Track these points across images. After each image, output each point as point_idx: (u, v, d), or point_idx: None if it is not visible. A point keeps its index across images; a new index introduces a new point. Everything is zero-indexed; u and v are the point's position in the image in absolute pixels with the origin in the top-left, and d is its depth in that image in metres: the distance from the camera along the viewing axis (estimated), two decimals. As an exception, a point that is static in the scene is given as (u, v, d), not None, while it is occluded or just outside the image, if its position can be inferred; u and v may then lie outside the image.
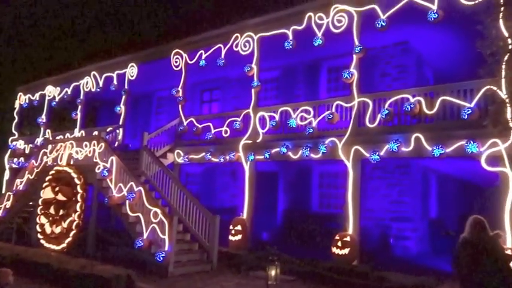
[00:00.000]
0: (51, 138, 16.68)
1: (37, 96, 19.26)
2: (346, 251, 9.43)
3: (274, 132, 11.72)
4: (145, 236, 9.76)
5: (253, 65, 12.33)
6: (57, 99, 18.33)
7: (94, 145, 12.16)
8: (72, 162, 12.52)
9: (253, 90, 12.32)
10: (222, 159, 12.41)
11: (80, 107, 17.16)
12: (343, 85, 12.28)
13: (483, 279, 4.56)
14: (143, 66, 15.20)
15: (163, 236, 9.44)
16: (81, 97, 17.13)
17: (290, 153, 11.00)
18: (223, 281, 8.85)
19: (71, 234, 11.38)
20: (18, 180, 14.01)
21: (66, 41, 27.86)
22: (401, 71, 12.49)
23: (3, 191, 17.19)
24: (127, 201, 10.52)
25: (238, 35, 12.58)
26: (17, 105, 20.46)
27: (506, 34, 7.91)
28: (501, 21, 7.99)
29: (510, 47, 7.85)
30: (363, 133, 10.10)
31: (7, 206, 13.79)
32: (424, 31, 11.33)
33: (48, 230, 11.96)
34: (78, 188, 11.67)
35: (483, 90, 8.48)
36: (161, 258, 9.09)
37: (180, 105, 14.05)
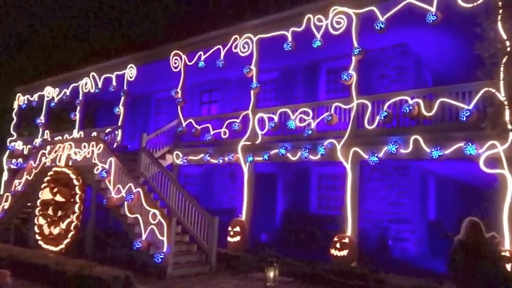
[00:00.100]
0: (49, 139, 16.68)
1: (36, 97, 19.25)
2: (344, 252, 9.44)
3: (273, 133, 11.73)
4: (143, 237, 9.75)
5: (253, 67, 12.34)
6: (56, 100, 18.32)
7: (93, 146, 12.15)
8: (70, 163, 12.50)
9: (252, 92, 12.32)
10: (221, 161, 12.41)
11: (78, 108, 17.15)
12: (342, 87, 12.30)
13: (479, 281, 4.56)
14: (142, 68, 15.20)
15: (162, 238, 9.44)
16: (80, 98, 17.12)
17: (289, 155, 11.01)
18: (222, 282, 8.84)
19: (69, 235, 11.35)
20: (16, 181, 13.99)
21: (65, 42, 27.85)
22: (400, 73, 12.51)
23: (1, 192, 17.14)
24: (125, 203, 10.50)
25: (237, 36, 12.59)
26: (15, 106, 20.43)
27: (504, 36, 7.94)
28: (499, 24, 8.02)
29: (508, 49, 7.88)
30: (361, 135, 10.12)
31: (5, 207, 13.76)
32: (423, 33, 11.36)
33: (46, 231, 11.93)
34: (77, 189, 11.65)
35: (481, 92, 8.49)
36: (160, 260, 9.08)
37: (179, 107, 14.05)
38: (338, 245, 9.55)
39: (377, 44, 12.34)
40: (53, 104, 18.42)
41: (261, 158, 11.51)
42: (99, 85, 16.30)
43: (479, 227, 4.80)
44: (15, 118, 20.35)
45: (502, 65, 7.98)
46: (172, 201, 11.03)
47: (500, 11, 8.05)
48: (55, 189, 12.09)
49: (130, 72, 15.33)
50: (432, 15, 9.16)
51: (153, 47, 15.40)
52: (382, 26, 9.89)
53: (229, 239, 11.24)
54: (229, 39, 12.71)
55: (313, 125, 10.89)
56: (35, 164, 13.66)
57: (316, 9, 11.07)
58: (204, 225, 10.41)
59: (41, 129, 18.48)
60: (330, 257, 9.62)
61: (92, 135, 14.49)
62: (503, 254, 7.06)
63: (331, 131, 10.70)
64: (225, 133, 12.65)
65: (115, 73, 15.77)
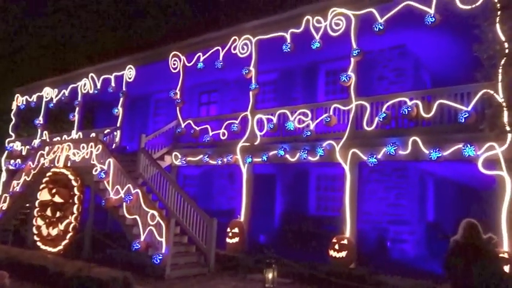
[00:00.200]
0: (48, 140, 16.65)
1: (34, 97, 19.22)
2: (343, 253, 9.43)
3: (272, 134, 11.73)
4: (142, 238, 9.74)
5: (251, 68, 12.35)
6: (54, 100, 18.29)
7: (91, 147, 12.14)
8: (69, 164, 12.49)
9: (251, 93, 12.33)
10: (219, 162, 12.40)
11: (77, 108, 17.12)
12: (341, 88, 12.32)
13: (476, 282, 4.56)
14: (141, 69, 15.19)
15: (161, 239, 9.43)
16: (79, 99, 17.10)
17: (288, 156, 11.01)
18: (221, 283, 8.84)
19: (68, 236, 11.34)
20: (14, 182, 13.97)
21: (65, 43, 27.82)
22: (399, 74, 12.53)
23: (-1, 193, 17.13)
24: (124, 204, 10.49)
25: (236, 37, 12.59)
26: (14, 107, 20.38)
27: (503, 38, 7.95)
28: (498, 25, 8.03)
29: (507, 50, 7.88)
30: (360, 136, 10.12)
31: (3, 208, 13.74)
32: (422, 35, 11.38)
33: (44, 232, 11.91)
34: (75, 190, 11.63)
35: (480, 93, 8.51)
36: (158, 261, 9.07)
37: (178, 108, 14.04)
38: (337, 246, 9.55)
39: (376, 46, 12.36)
40: (52, 104, 18.39)
41: (260, 159, 11.51)
42: (98, 86, 16.29)
43: (476, 229, 4.79)
44: (13, 119, 20.30)
45: (501, 67, 7.99)
46: (171, 202, 11.02)
47: (499, 12, 8.07)
48: (53, 190, 12.07)
49: (129, 73, 15.32)
50: (431, 17, 9.17)
51: (152, 47, 15.40)
52: (381, 27, 9.90)
53: (227, 240, 11.23)
54: (228, 40, 12.72)
55: (312, 126, 10.90)
56: (33, 164, 13.64)
57: (315, 10, 11.09)
58: (202, 226, 10.40)
59: (39, 130, 18.44)
60: (328, 258, 9.62)
61: (91, 136, 14.46)
62: (501, 255, 7.07)
63: (330, 132, 10.70)
64: (223, 134, 12.65)
65: (114, 74, 15.77)
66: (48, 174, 12.46)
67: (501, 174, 8.00)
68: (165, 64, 14.27)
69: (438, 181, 14.41)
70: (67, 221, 11.48)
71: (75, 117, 17.09)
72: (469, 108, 8.61)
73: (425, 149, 8.91)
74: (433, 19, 9.15)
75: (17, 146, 19.03)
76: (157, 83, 16.65)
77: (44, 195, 12.30)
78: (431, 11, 9.20)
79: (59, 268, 8.30)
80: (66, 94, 17.66)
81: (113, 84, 15.74)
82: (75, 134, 16.51)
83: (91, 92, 16.58)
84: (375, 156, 9.52)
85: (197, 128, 13.32)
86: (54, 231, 11.68)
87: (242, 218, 11.49)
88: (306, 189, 13.63)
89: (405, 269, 9.49)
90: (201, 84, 16.81)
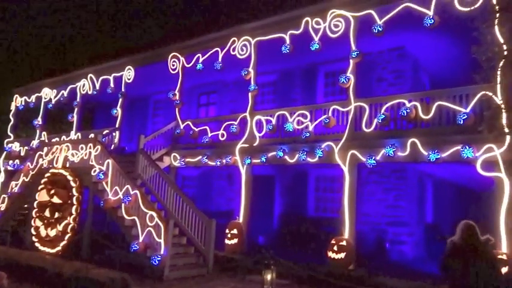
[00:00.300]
0: (47, 141, 16.63)
1: (33, 98, 19.20)
2: (342, 255, 9.43)
3: (270, 136, 11.73)
4: (141, 239, 9.73)
5: (250, 69, 12.35)
6: (53, 101, 18.27)
7: (90, 148, 12.13)
8: (68, 165, 12.47)
9: (250, 94, 12.33)
10: (218, 163, 12.40)
11: (76, 109, 17.11)
12: (340, 90, 12.33)
13: (474, 284, 4.56)
14: (140, 69, 15.19)
15: (159, 240, 9.42)
16: (78, 99, 17.08)
17: (287, 157, 11.01)
18: (219, 285, 8.83)
19: (66, 237, 11.33)
20: (13, 183, 13.95)
21: (64, 43, 27.84)
22: (398, 76, 12.55)
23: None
24: (123, 205, 10.48)
25: (235, 38, 12.60)
26: (13, 107, 20.37)
27: (501, 40, 7.97)
28: (496, 27, 8.04)
29: (505, 52, 7.90)
30: (359, 137, 10.13)
31: (2, 209, 13.72)
32: (420, 36, 11.40)
33: (43, 233, 11.89)
34: (74, 191, 11.62)
35: (479, 95, 8.53)
36: (157, 262, 9.05)
37: (176, 109, 14.04)
38: (335, 248, 9.55)
39: (375, 47, 12.37)
40: (51, 105, 18.37)
41: (259, 161, 11.51)
42: (97, 87, 16.28)
43: (473, 230, 4.80)
44: (12, 119, 20.28)
45: (499, 69, 8.02)
46: (170, 203, 11.01)
47: (497, 14, 8.08)
48: (52, 191, 12.06)
49: (128, 74, 15.32)
50: (430, 19, 9.19)
51: (151, 48, 15.40)
52: (380, 29, 9.92)
53: (226, 241, 11.22)
54: (228, 41, 12.73)
55: (311, 128, 10.90)
56: (32, 165, 13.62)
57: (314, 12, 11.10)
58: (201, 227, 10.39)
59: (38, 131, 18.42)
60: (327, 260, 9.61)
61: (90, 136, 14.44)
62: (499, 256, 7.08)
63: (329, 134, 10.71)
64: (222, 135, 12.65)
65: (113, 75, 15.75)
66: (47, 175, 12.45)
67: (499, 175, 8.01)
68: (164, 65, 14.28)
69: (437, 182, 14.42)
70: (65, 221, 11.47)
71: (74, 118, 17.08)
72: (468, 110, 8.62)
73: (424, 151, 8.92)
74: (432, 21, 9.17)
75: (16, 146, 19.01)
76: (157, 84, 16.64)
77: (42, 196, 12.28)
78: (430, 12, 9.22)
79: (57, 269, 8.28)
80: (65, 95, 17.64)
81: (111, 85, 15.73)
82: (73, 135, 16.49)
83: (90, 92, 16.57)
84: (373, 158, 9.52)
85: (196, 129, 13.32)
86: (52, 232, 11.66)
87: (241, 219, 11.48)
88: (304, 190, 13.63)
89: (404, 271, 9.50)
90: (200, 85, 16.82)
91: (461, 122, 8.54)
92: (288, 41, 11.49)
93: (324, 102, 13.19)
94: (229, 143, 12.34)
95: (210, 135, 12.89)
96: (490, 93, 8.25)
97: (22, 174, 13.79)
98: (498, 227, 7.76)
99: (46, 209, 12.02)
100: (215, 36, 13.26)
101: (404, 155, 9.24)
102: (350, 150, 10.03)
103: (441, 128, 9.16)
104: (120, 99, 15.57)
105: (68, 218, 11.45)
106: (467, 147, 8.28)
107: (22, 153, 18.38)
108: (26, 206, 13.46)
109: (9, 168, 18.61)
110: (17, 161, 18.10)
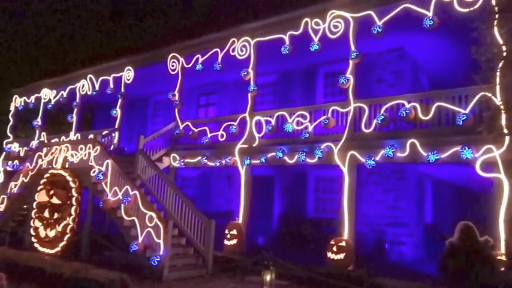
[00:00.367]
0: (46, 141, 16.62)
1: (33, 98, 19.19)
2: (341, 256, 9.43)
3: (270, 136, 11.73)
4: (140, 240, 9.72)
5: (250, 70, 12.36)
6: (52, 102, 18.26)
7: (89, 148, 12.12)
8: (67, 166, 12.47)
9: (249, 95, 12.33)
10: (217, 164, 12.40)
11: (75, 110, 17.10)
12: (340, 90, 12.34)
13: (473, 284, 4.57)
14: (140, 70, 15.19)
15: (159, 240, 9.42)
16: (77, 100, 17.07)
17: (286, 158, 11.01)
18: (219, 285, 8.83)
19: (66, 238, 11.32)
20: (12, 183, 13.93)
21: (63, 44, 27.82)
22: (397, 77, 12.55)
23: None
24: (122, 205, 10.48)
25: (235, 39, 12.60)
26: (12, 108, 20.36)
27: (500, 41, 7.99)
28: (496, 28, 8.07)
29: (505, 53, 7.91)
30: (358, 138, 10.14)
31: (1, 209, 13.70)
32: (420, 37, 11.41)
33: (42, 233, 11.88)
34: (73, 192, 11.62)
35: (478, 96, 8.54)
36: (156, 263, 9.05)
37: (176, 109, 14.04)
38: (335, 248, 9.55)
39: (374, 48, 12.38)
40: (50, 106, 18.36)
41: (258, 161, 11.51)
42: (97, 87, 16.27)
43: (472, 231, 4.81)
44: (11, 120, 20.27)
45: (498, 70, 8.03)
46: (169, 204, 11.00)
47: (497, 15, 8.10)
48: (51, 192, 12.05)
49: (128, 74, 15.31)
50: (429, 20, 9.20)
51: (151, 49, 15.38)
52: (379, 30, 9.93)
53: (226, 242, 11.22)
54: (227, 42, 12.73)
55: (310, 128, 10.91)
56: (31, 166, 13.61)
57: (314, 13, 11.10)
58: (200, 228, 10.39)
59: (37, 131, 18.42)
60: (326, 260, 9.62)
61: (89, 137, 14.44)
62: (497, 257, 7.08)
63: (328, 135, 10.72)
64: (222, 136, 12.65)
65: (112, 75, 15.75)
66: (46, 175, 12.44)
67: (499, 176, 8.02)
68: (163, 66, 14.28)
69: (436, 183, 14.42)
70: (65, 222, 11.46)
71: (73, 118, 17.08)
72: (467, 111, 8.63)
73: (423, 152, 8.93)
74: (432, 22, 9.18)
75: (15, 147, 19.00)
76: (156, 84, 16.64)
77: (41, 197, 12.27)
78: (430, 13, 9.23)
79: (57, 270, 8.28)
80: (65, 95, 17.64)
81: (111, 85, 15.72)
82: (73, 136, 16.49)
83: (89, 93, 16.56)
84: (373, 159, 9.53)
85: (195, 130, 13.32)
86: (51, 233, 11.65)
87: (240, 219, 11.48)
88: (304, 191, 13.63)
89: (403, 271, 9.50)
90: (200, 86, 16.81)
91: (461, 123, 8.55)
92: (287, 42, 11.50)
93: (323, 103, 13.19)
94: (228, 143, 12.34)
95: (209, 135, 12.89)
96: (490, 94, 8.26)
97: (21, 175, 13.78)
98: (497, 228, 7.76)
99: (45, 209, 12.01)
100: (215, 36, 13.26)
101: (403, 156, 9.25)
102: (349, 151, 10.03)
103: (440, 129, 9.16)
104: (120, 100, 15.57)
105: (67, 219, 11.44)
106: (466, 148, 8.29)
107: (21, 154, 18.36)
108: (25, 206, 13.45)
109: (8, 168, 18.58)
110: (16, 162, 18.08)
